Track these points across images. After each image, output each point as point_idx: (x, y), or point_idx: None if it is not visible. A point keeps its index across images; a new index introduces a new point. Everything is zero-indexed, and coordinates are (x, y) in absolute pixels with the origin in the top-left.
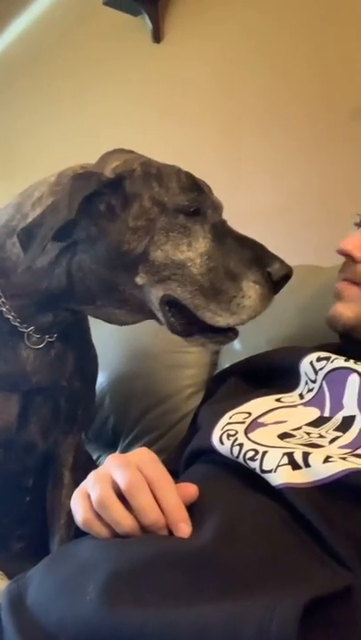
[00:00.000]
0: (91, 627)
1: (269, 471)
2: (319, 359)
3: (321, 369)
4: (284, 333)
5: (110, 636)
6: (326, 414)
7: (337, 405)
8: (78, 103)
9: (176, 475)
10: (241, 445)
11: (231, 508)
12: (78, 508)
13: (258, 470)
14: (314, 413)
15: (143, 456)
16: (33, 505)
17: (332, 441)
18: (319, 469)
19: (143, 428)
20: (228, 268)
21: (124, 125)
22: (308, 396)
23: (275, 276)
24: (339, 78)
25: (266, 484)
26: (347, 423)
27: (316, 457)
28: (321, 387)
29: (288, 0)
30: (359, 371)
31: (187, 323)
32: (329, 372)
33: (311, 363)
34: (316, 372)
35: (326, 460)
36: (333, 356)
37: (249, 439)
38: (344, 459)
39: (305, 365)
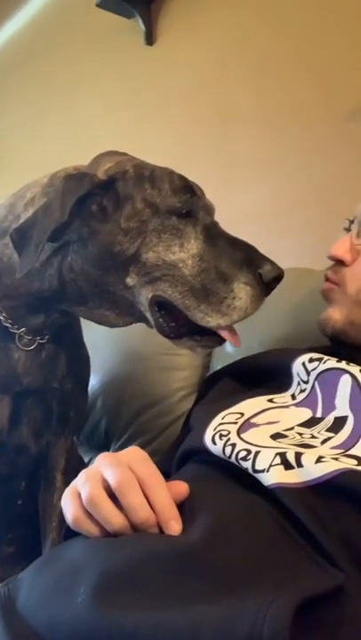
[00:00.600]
0: (82, 628)
1: (262, 471)
2: (311, 360)
3: (313, 370)
4: (276, 336)
5: (102, 637)
6: (318, 415)
7: (329, 406)
8: (70, 104)
9: (167, 476)
10: (233, 445)
11: (222, 508)
12: (69, 506)
13: (250, 470)
14: (306, 414)
15: (134, 455)
16: (25, 508)
17: (324, 441)
18: (311, 469)
19: (135, 431)
20: (219, 270)
21: (116, 127)
22: (300, 397)
23: (266, 278)
24: (332, 80)
25: (258, 483)
26: (339, 424)
27: (308, 457)
28: (313, 387)
29: (281, 2)
30: (351, 372)
31: (176, 325)
32: (321, 372)
33: (303, 363)
34: (308, 373)
35: (319, 460)
36: (326, 357)
37: (241, 439)
38: (336, 459)
39: (297, 366)
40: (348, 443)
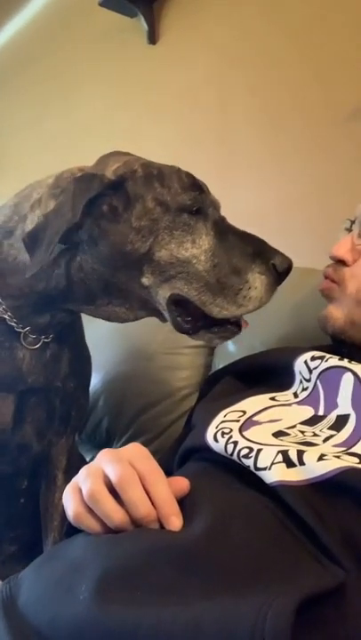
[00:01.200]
0: (83, 626)
1: (264, 469)
2: (313, 358)
3: (315, 368)
4: (278, 335)
5: (103, 634)
6: (321, 413)
7: (331, 404)
8: (72, 103)
9: (169, 474)
10: (235, 443)
11: (224, 504)
12: (69, 502)
13: (252, 468)
14: (308, 412)
15: (135, 451)
16: (26, 507)
17: (326, 439)
18: (313, 467)
19: (137, 430)
20: (232, 263)
21: (118, 126)
22: (302, 395)
23: (280, 268)
24: (334, 80)
25: (260, 481)
26: (341, 422)
27: (310, 455)
28: (315, 385)
29: (283, 2)
30: (353, 370)
31: (192, 320)
32: (323, 370)
33: (306, 362)
34: (310, 371)
35: (321, 458)
36: (328, 356)
37: (244, 437)
38: (338, 457)
39: (299, 364)
40: (350, 441)
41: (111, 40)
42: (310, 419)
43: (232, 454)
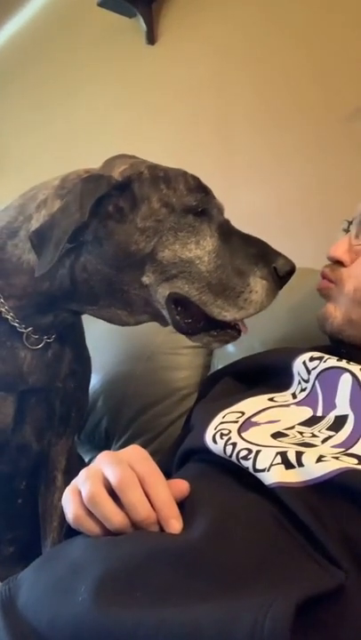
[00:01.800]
0: (83, 627)
1: (263, 470)
2: (312, 359)
3: (314, 368)
4: (278, 336)
5: (103, 635)
6: (319, 413)
7: (329, 405)
8: (72, 104)
9: (168, 475)
10: (234, 445)
11: (223, 506)
12: (69, 504)
13: (251, 469)
14: (307, 413)
15: (134, 453)
16: (25, 508)
17: (324, 440)
18: (312, 469)
19: (136, 430)
20: (234, 265)
21: (117, 126)
22: (300, 396)
23: (281, 272)
24: (335, 80)
25: (259, 482)
26: (339, 422)
27: (309, 456)
28: (314, 386)
29: (283, 1)
30: (351, 370)
31: (192, 321)
32: (322, 371)
33: (304, 362)
34: (308, 372)
35: (319, 459)
36: (326, 356)
37: (242, 438)
38: (337, 458)
39: (298, 365)
40: (348, 442)
41: (110, 40)
42: (309, 419)
43: (231, 456)
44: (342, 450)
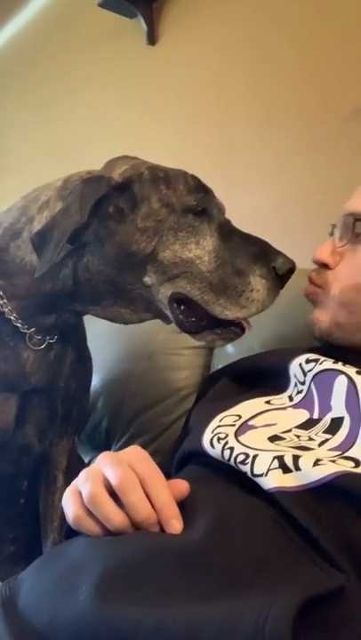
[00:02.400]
0: (84, 626)
1: (260, 475)
2: (308, 361)
3: (310, 371)
4: (277, 336)
5: (104, 635)
6: (315, 416)
7: (325, 407)
8: (72, 104)
9: (168, 477)
10: (232, 449)
11: (223, 508)
12: (69, 504)
13: (249, 474)
14: (303, 415)
15: (135, 454)
16: (26, 508)
17: (321, 443)
18: (309, 473)
19: (136, 430)
20: (235, 265)
21: (118, 127)
22: (297, 398)
23: (280, 270)
24: (335, 80)
25: (257, 486)
26: (335, 425)
27: (306, 460)
28: (310, 388)
29: (283, 2)
30: (346, 372)
31: (196, 320)
32: (317, 373)
33: (300, 364)
34: (304, 374)
35: (316, 463)
36: (322, 358)
37: (239, 442)
38: (334, 461)
39: (294, 367)
40: (344, 445)
41: (110, 41)
42: (305, 422)
43: (229, 460)
44: (339, 453)
